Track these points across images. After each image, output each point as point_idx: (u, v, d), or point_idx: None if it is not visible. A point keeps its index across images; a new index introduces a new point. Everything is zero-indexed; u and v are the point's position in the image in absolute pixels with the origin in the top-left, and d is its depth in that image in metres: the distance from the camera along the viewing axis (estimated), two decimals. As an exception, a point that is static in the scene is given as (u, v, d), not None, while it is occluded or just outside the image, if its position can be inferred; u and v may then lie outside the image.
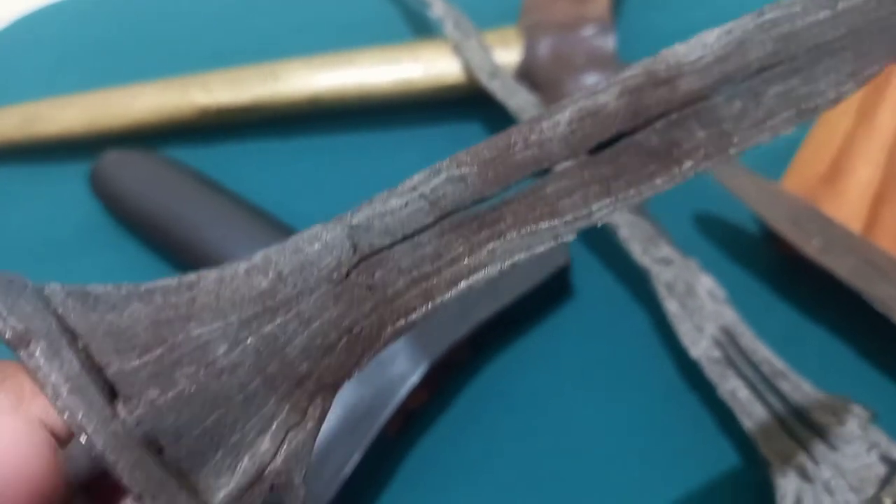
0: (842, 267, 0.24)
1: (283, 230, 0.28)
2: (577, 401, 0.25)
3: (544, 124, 0.10)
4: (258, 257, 0.10)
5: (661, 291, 0.25)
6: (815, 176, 0.29)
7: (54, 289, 0.09)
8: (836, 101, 0.11)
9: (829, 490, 0.20)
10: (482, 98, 0.32)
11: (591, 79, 0.31)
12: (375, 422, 0.22)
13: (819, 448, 0.21)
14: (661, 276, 0.25)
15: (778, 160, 0.31)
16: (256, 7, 0.43)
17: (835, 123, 0.32)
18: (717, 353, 0.23)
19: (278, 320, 0.09)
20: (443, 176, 0.10)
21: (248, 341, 0.09)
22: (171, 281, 0.09)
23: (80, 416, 0.08)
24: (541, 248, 0.10)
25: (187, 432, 0.09)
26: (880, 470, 0.20)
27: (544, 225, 0.10)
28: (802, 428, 0.21)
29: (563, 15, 0.34)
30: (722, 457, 0.23)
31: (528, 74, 0.33)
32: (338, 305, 0.09)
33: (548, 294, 0.27)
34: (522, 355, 0.26)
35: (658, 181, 0.10)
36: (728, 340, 0.24)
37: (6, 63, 0.42)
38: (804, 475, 0.21)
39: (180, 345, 0.09)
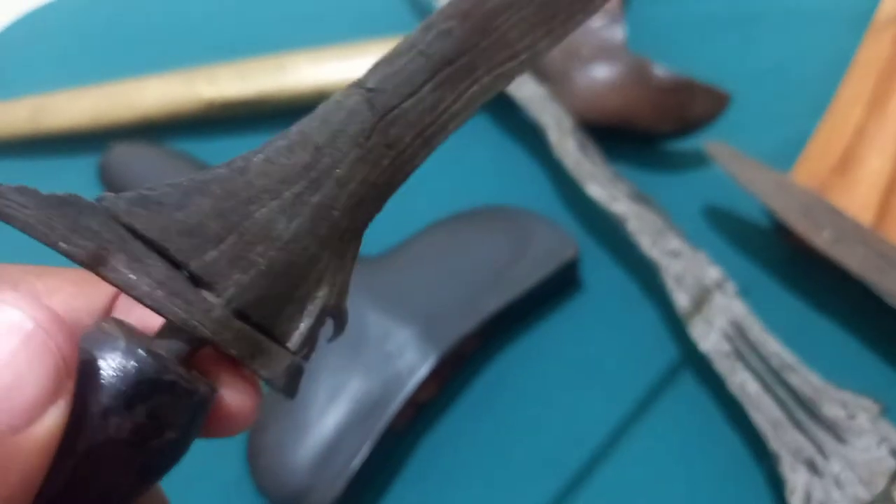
0: (852, 259, 0.24)
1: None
2: (586, 393, 0.25)
3: None
4: (294, 133, 0.11)
5: (671, 283, 0.25)
6: (826, 167, 0.29)
7: (115, 201, 0.10)
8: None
9: (838, 484, 0.20)
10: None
11: (599, 70, 0.31)
12: (384, 414, 0.22)
13: (829, 442, 0.21)
14: (670, 269, 0.25)
15: (788, 152, 0.30)
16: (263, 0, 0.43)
17: (845, 115, 0.31)
18: (726, 347, 0.23)
19: (323, 189, 0.11)
20: (434, 31, 0.11)
21: (303, 212, 0.10)
22: (222, 169, 0.10)
23: (181, 314, 0.10)
24: (506, 86, 0.12)
25: (266, 298, 0.10)
26: (891, 463, 0.20)
27: (508, 66, 0.11)
28: (812, 421, 0.21)
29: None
30: (731, 450, 0.23)
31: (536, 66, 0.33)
32: (365, 165, 0.11)
33: (556, 287, 0.27)
34: (531, 348, 0.26)
35: (581, 16, 0.12)
36: (737, 333, 0.23)
37: (15, 56, 0.42)
38: (814, 469, 0.20)
39: (248, 228, 0.10)
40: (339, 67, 0.34)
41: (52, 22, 0.44)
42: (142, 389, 0.09)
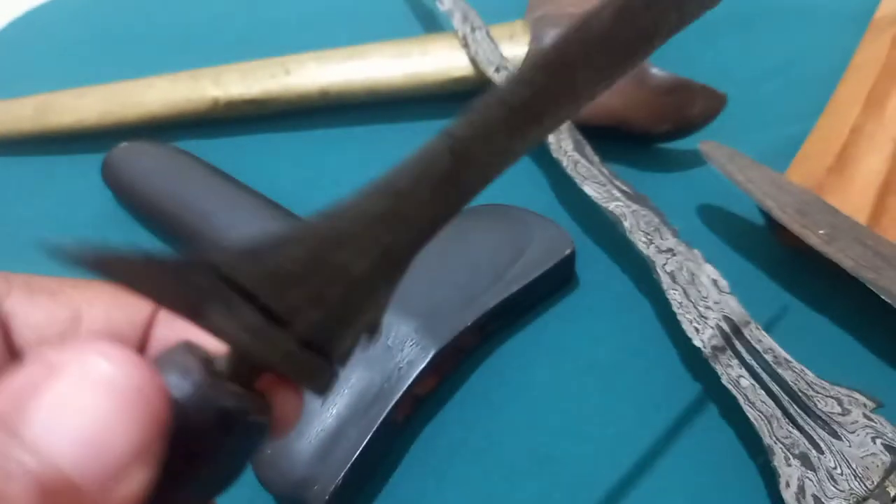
0: (848, 257, 0.24)
1: (290, 220, 0.29)
2: (582, 388, 0.25)
3: None
4: (381, 181, 0.11)
5: (665, 281, 0.25)
6: (823, 167, 0.29)
7: (223, 256, 0.11)
8: None
9: (832, 478, 0.20)
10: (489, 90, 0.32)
11: None
12: (384, 407, 0.22)
13: (823, 436, 0.21)
14: (666, 266, 0.26)
15: (785, 152, 0.31)
16: (268, 1, 0.43)
17: (843, 114, 0.31)
18: (720, 342, 0.23)
19: (397, 230, 0.11)
20: (517, 81, 0.12)
21: (375, 253, 0.11)
22: (315, 219, 0.11)
23: (259, 352, 0.11)
24: (557, 128, 0.12)
25: (331, 328, 0.11)
26: (885, 458, 0.20)
27: (568, 110, 0.12)
28: (806, 416, 0.22)
29: (571, 8, 0.34)
30: (725, 444, 0.23)
31: (534, 67, 0.33)
32: (435, 206, 0.11)
33: (553, 283, 0.27)
34: (528, 343, 0.26)
35: (637, 62, 0.12)
36: (732, 329, 0.24)
37: (20, 53, 0.42)
38: (808, 463, 0.21)
39: (329, 270, 0.11)
40: (343, 69, 0.34)
41: (58, 19, 0.44)
42: (212, 418, 0.10)
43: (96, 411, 0.08)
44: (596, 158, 0.29)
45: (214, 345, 0.11)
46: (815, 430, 0.21)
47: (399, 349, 0.24)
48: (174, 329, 0.12)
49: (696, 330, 0.24)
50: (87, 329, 0.11)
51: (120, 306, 0.12)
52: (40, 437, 0.08)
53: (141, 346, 0.12)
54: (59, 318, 0.11)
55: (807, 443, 0.21)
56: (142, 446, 0.08)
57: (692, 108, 0.31)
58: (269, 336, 0.11)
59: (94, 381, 0.08)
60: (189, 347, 0.11)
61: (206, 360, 0.11)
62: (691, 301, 0.25)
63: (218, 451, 0.10)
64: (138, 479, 0.08)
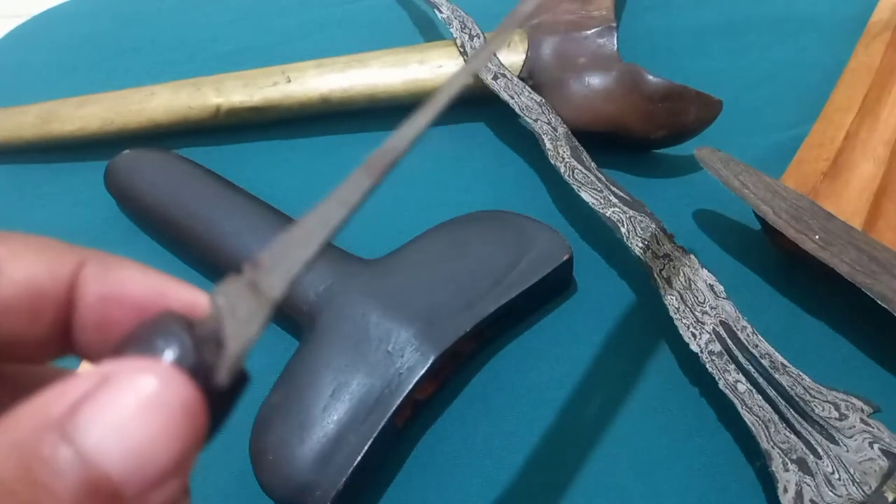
0: (843, 262, 0.24)
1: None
2: (580, 393, 0.25)
3: None
4: None
5: (662, 286, 0.25)
6: (817, 172, 0.30)
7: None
8: None
9: (830, 483, 0.20)
10: (487, 97, 0.33)
11: (593, 78, 0.32)
12: (385, 412, 0.22)
13: (820, 441, 0.21)
14: (662, 272, 0.26)
15: (780, 158, 0.31)
16: (269, 11, 0.44)
17: (837, 120, 0.32)
18: (717, 347, 0.24)
19: None
20: None
21: None
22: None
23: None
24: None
25: None
26: (882, 463, 0.21)
27: None
28: (803, 421, 0.22)
29: (567, 16, 0.34)
30: (723, 449, 0.23)
31: (532, 74, 0.34)
32: None
33: (551, 289, 0.27)
34: (526, 348, 0.27)
35: None
36: (728, 334, 0.24)
37: (23, 61, 0.43)
38: (805, 468, 0.21)
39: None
40: (343, 77, 0.35)
41: (61, 27, 0.45)
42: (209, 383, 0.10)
43: (146, 425, 0.09)
44: (593, 164, 0.30)
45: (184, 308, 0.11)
46: (812, 435, 0.21)
47: (399, 355, 0.24)
48: (103, 285, 0.12)
49: (693, 335, 0.24)
50: (7, 283, 0.11)
51: (44, 260, 0.12)
52: (92, 443, 0.09)
53: (66, 302, 0.12)
54: None
55: (804, 448, 0.21)
56: (182, 459, 0.09)
57: (688, 114, 0.31)
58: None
59: (145, 396, 0.09)
60: (173, 317, 0.11)
61: (192, 326, 0.11)
62: (688, 306, 0.25)
63: (213, 411, 0.10)
64: (173, 487, 0.09)
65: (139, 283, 0.12)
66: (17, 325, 0.11)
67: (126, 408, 0.09)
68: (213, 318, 0.11)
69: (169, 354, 0.10)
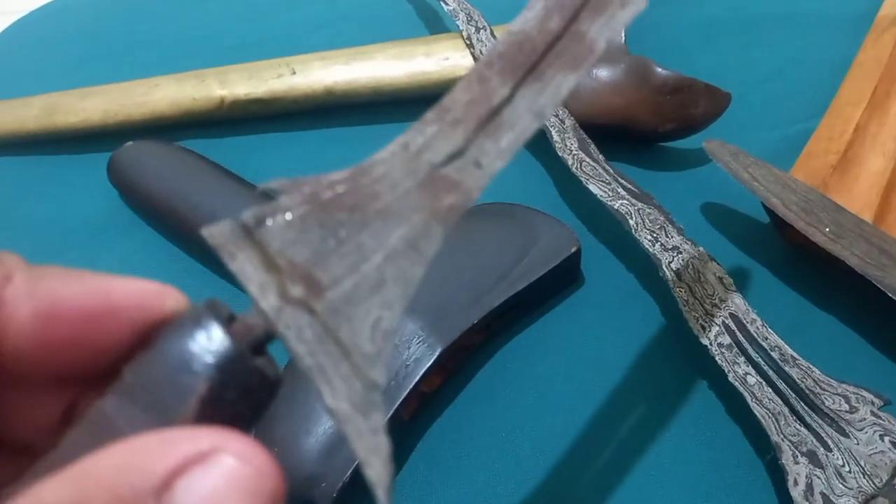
0: (853, 255, 0.24)
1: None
2: (588, 385, 0.25)
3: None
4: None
5: (671, 279, 0.25)
6: (826, 165, 0.29)
7: (269, 234, 0.11)
8: None
9: (840, 476, 0.20)
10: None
11: (601, 70, 0.32)
12: (391, 405, 0.22)
13: (831, 434, 0.21)
14: (671, 264, 0.26)
15: (788, 152, 0.31)
16: (274, 4, 0.44)
17: (846, 114, 0.32)
18: (727, 340, 0.23)
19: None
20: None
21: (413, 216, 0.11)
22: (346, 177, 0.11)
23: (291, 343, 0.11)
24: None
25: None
26: (893, 456, 0.20)
27: None
28: (814, 414, 0.21)
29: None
30: (732, 442, 0.23)
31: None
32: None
33: (558, 281, 0.27)
34: (533, 341, 0.26)
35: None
36: (738, 327, 0.24)
37: (26, 53, 0.42)
38: (816, 461, 0.21)
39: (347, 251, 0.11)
40: (348, 69, 0.34)
41: (65, 19, 0.44)
42: (228, 374, 0.10)
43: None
44: (601, 157, 0.29)
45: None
46: (822, 428, 0.21)
47: (405, 347, 0.24)
48: (35, 300, 0.11)
49: (703, 328, 0.24)
50: None
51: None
52: None
53: None
54: None
55: (815, 440, 0.21)
56: None
57: (696, 106, 0.31)
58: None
59: (241, 483, 0.09)
60: (215, 306, 0.11)
61: (228, 319, 0.11)
62: (697, 299, 0.25)
63: (242, 411, 0.11)
64: None
65: (76, 288, 0.11)
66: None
67: (221, 490, 0.09)
68: (258, 324, 0.11)
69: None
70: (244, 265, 0.11)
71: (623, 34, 0.32)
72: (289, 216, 0.11)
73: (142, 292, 0.11)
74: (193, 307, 0.11)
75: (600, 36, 0.12)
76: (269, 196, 0.11)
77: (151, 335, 0.11)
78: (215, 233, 0.11)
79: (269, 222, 0.11)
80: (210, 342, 0.10)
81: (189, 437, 0.09)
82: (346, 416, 0.10)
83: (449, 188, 0.12)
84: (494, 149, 0.12)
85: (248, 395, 0.11)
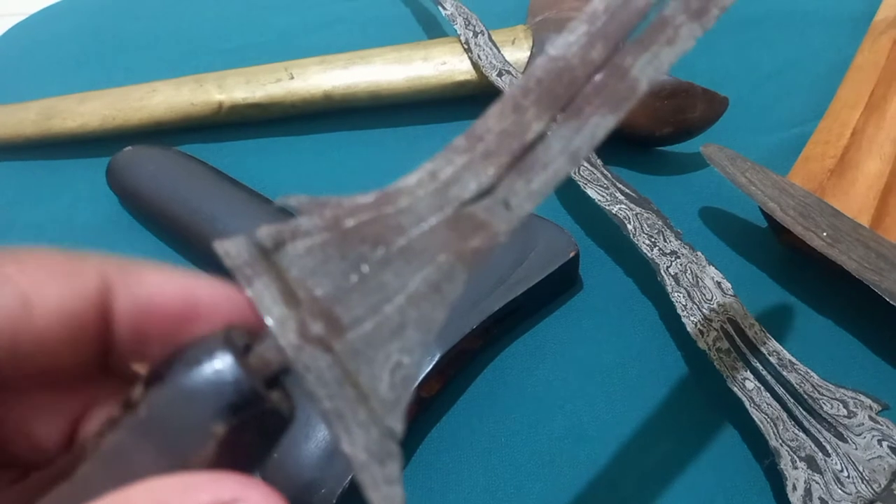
0: (851, 259, 0.24)
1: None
2: (586, 390, 0.25)
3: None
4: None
5: (669, 283, 0.25)
6: (823, 169, 0.29)
7: (288, 260, 0.11)
8: None
9: (839, 481, 0.20)
10: (492, 94, 0.32)
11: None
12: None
13: (829, 439, 0.21)
14: (669, 269, 0.26)
15: (786, 155, 0.31)
16: (272, 7, 0.44)
17: (844, 117, 0.32)
18: (725, 345, 0.23)
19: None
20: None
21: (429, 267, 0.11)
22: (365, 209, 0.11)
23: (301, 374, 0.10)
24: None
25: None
26: (892, 461, 0.20)
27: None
28: (812, 419, 0.21)
29: (572, 12, 0.34)
30: (731, 447, 0.23)
31: (537, 71, 0.33)
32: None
33: (557, 286, 0.27)
34: (532, 346, 0.26)
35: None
36: (736, 332, 0.24)
37: (24, 58, 0.42)
38: (814, 466, 0.21)
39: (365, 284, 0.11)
40: (346, 73, 0.34)
41: (62, 24, 0.44)
42: (236, 406, 0.10)
43: None
44: (599, 162, 0.29)
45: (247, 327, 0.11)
46: (821, 433, 0.21)
47: (404, 352, 0.23)
48: (133, 299, 0.11)
49: (701, 332, 0.24)
50: (41, 315, 0.10)
51: (68, 283, 0.11)
52: None
53: (101, 323, 0.11)
54: (7, 307, 0.10)
55: (813, 445, 0.21)
56: None
57: (694, 111, 0.31)
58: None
59: None
60: (230, 336, 0.10)
61: (244, 350, 0.10)
62: (695, 303, 0.25)
63: (257, 450, 0.10)
64: None
65: (168, 289, 0.11)
66: (57, 356, 0.11)
67: None
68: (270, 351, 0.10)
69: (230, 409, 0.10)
70: (262, 293, 0.10)
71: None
72: (309, 242, 0.11)
73: (221, 295, 0.12)
74: (210, 338, 0.11)
75: (643, 74, 0.11)
76: (286, 212, 0.11)
77: (169, 360, 0.11)
78: (231, 251, 0.11)
79: (289, 247, 0.11)
80: (227, 381, 0.10)
81: (211, 485, 0.09)
82: (363, 463, 0.10)
83: (476, 229, 0.11)
84: (525, 190, 0.11)
85: (263, 434, 0.10)
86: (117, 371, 0.12)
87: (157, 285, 0.11)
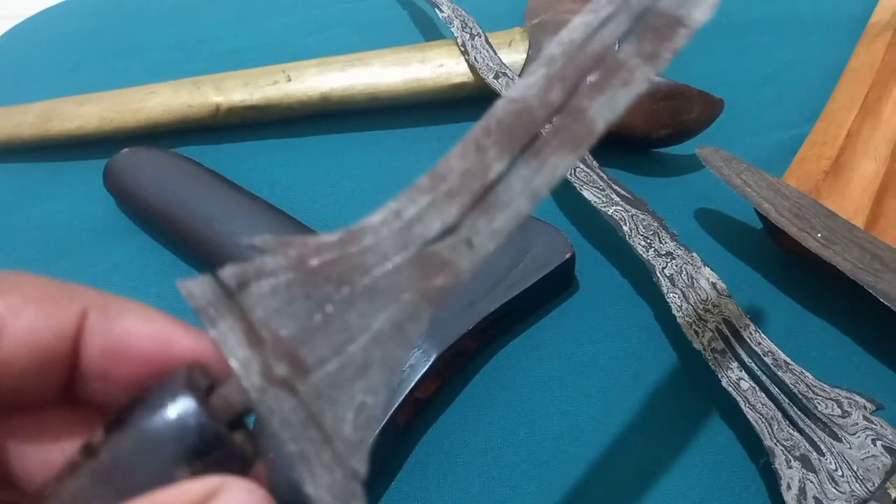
0: (846, 260, 0.24)
1: (293, 225, 0.29)
2: (581, 391, 0.25)
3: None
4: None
5: (665, 284, 0.25)
6: (819, 170, 0.30)
7: (252, 300, 0.11)
8: None
9: (833, 480, 0.20)
10: (489, 96, 0.33)
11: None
12: (386, 410, 0.22)
13: (823, 439, 0.21)
14: (665, 270, 0.26)
15: (781, 155, 0.31)
16: (270, 10, 0.44)
17: (839, 119, 0.32)
18: (720, 345, 0.24)
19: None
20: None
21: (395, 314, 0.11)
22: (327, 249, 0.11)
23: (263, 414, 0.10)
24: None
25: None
26: (886, 461, 0.20)
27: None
28: (806, 418, 0.22)
29: (568, 15, 0.34)
30: (726, 447, 0.23)
31: (533, 73, 0.33)
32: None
33: (553, 287, 0.27)
34: (528, 347, 0.26)
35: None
36: (731, 332, 0.24)
37: (22, 60, 0.42)
38: (809, 465, 0.21)
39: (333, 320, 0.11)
40: (344, 75, 0.35)
41: (60, 26, 0.44)
42: (198, 447, 0.10)
43: None
44: (594, 163, 0.30)
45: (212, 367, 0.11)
46: (815, 432, 0.21)
47: (400, 353, 0.24)
48: (106, 339, 0.11)
49: (696, 333, 0.24)
50: (9, 341, 0.11)
51: (45, 315, 0.11)
52: None
53: (70, 357, 0.11)
54: None
55: (807, 445, 0.21)
56: None
57: (690, 113, 0.31)
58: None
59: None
60: (193, 378, 0.10)
61: (207, 391, 0.10)
62: (690, 304, 0.25)
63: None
64: None
65: (142, 334, 0.12)
66: (21, 381, 0.11)
67: None
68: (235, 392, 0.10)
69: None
70: (226, 334, 0.10)
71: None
72: (274, 282, 0.11)
73: (196, 346, 0.12)
74: (172, 379, 0.10)
75: (600, 116, 0.12)
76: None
77: (131, 404, 0.11)
78: (195, 291, 0.10)
79: (253, 287, 0.11)
80: (189, 426, 0.10)
81: (198, 479, 0.09)
82: None
83: (440, 268, 0.11)
84: (487, 229, 0.11)
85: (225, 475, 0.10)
86: (86, 404, 0.12)
87: (132, 326, 0.12)
